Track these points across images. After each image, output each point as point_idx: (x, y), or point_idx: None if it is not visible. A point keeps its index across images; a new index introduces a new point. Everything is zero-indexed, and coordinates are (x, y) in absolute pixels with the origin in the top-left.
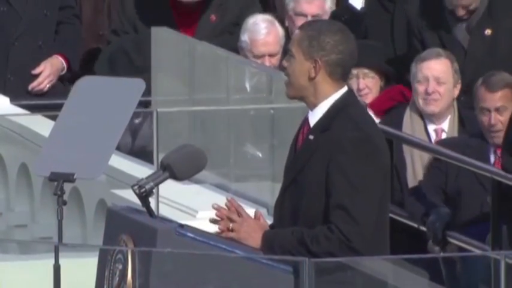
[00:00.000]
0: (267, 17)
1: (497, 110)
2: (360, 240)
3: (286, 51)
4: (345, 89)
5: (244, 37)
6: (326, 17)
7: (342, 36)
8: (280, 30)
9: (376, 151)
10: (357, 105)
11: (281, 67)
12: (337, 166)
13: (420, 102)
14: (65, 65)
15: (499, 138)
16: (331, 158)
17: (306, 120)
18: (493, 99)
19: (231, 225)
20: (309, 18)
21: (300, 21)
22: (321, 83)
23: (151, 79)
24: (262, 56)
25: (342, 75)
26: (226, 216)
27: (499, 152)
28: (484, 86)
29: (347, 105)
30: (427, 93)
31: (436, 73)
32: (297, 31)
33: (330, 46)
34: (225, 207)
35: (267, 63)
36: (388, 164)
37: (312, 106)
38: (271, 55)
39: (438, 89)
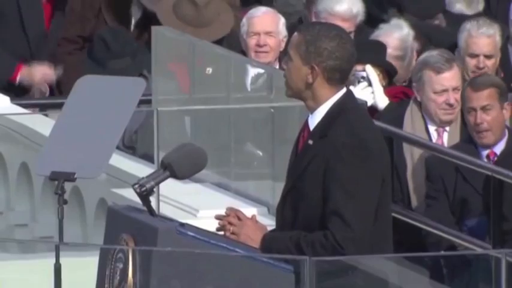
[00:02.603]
0: (270, 8)
1: (482, 108)
2: (353, 247)
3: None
4: (343, 91)
5: (243, 21)
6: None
7: (340, 41)
8: (281, 18)
9: (372, 156)
10: (355, 107)
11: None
12: (333, 173)
13: (439, 112)
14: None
15: (486, 138)
16: (328, 164)
17: (306, 124)
18: (479, 98)
19: (231, 228)
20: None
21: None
22: (319, 88)
23: (152, 78)
24: (257, 34)
25: (340, 80)
26: (227, 221)
27: (492, 156)
28: (469, 87)
29: (344, 109)
30: (449, 104)
31: (455, 83)
32: (295, 33)
33: (327, 52)
34: (224, 214)
35: (262, 42)
36: (386, 167)
37: (312, 109)
38: (267, 33)
39: (456, 97)
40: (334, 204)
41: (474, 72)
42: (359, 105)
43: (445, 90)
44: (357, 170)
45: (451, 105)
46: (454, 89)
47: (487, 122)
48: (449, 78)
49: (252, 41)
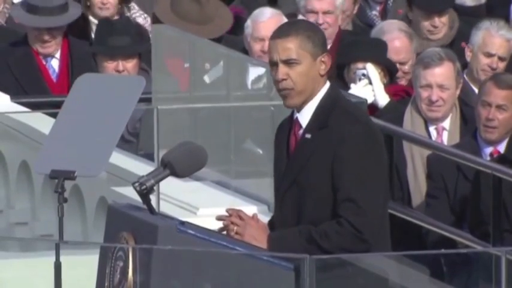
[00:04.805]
0: (275, 10)
1: (498, 107)
2: (370, 231)
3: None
4: (328, 83)
5: (248, 22)
6: (337, 12)
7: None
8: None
9: (378, 141)
10: (345, 98)
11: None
12: (342, 161)
13: (423, 107)
14: None
15: (491, 134)
16: (335, 153)
17: (294, 121)
18: (498, 95)
19: (235, 228)
20: (320, 15)
21: (311, 18)
22: (322, 79)
23: (152, 76)
24: (262, 40)
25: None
26: (230, 221)
27: (495, 154)
28: (492, 82)
29: (338, 100)
30: (430, 100)
31: (440, 80)
32: (286, 39)
33: (324, 41)
34: (226, 214)
35: (266, 48)
36: (386, 157)
37: (302, 106)
38: None
39: (442, 95)
40: (346, 190)
41: (484, 70)
42: (345, 96)
43: (429, 86)
44: (366, 156)
45: (432, 102)
46: (440, 86)
47: (498, 120)
48: (435, 74)
49: (256, 46)
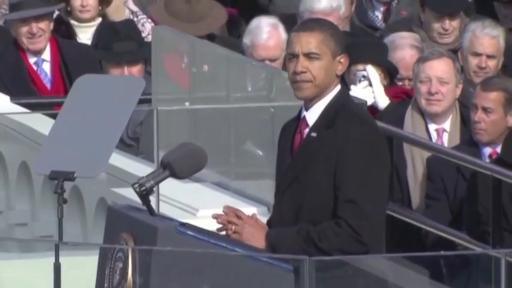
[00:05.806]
0: (271, 20)
1: (484, 109)
2: (369, 234)
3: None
4: (339, 85)
5: (246, 39)
6: (340, 22)
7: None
8: (283, 35)
9: (383, 146)
10: (353, 100)
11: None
12: (346, 161)
13: (422, 102)
14: None
15: (480, 135)
16: (340, 153)
17: (302, 119)
18: (484, 98)
19: (233, 227)
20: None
21: None
22: (334, 80)
23: (152, 77)
24: (262, 60)
25: None
26: (227, 221)
27: (494, 155)
28: (480, 84)
29: (346, 101)
30: (429, 93)
31: (439, 73)
32: (308, 33)
33: (343, 42)
34: (223, 213)
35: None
36: (389, 160)
37: (311, 104)
38: (271, 60)
39: (441, 89)
40: (348, 191)
41: (475, 72)
42: (353, 99)
43: (428, 78)
44: (371, 158)
45: (431, 94)
46: (439, 79)
47: (484, 123)
48: (434, 67)
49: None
